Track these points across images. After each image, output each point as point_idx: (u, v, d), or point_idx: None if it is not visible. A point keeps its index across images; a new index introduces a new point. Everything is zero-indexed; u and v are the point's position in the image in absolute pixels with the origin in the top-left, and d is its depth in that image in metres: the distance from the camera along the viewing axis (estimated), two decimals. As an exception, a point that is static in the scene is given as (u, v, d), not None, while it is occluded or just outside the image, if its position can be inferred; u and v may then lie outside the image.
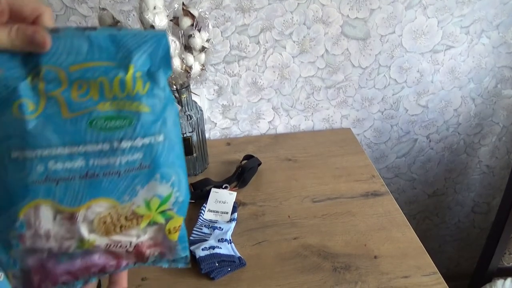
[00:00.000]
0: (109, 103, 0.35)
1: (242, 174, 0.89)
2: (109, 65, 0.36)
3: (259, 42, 0.93)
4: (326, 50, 0.97)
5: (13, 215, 0.34)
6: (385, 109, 1.08)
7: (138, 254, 0.38)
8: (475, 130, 1.17)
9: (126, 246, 0.37)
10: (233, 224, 0.78)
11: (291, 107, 1.04)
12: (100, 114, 0.35)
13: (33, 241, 0.35)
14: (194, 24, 0.77)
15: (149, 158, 0.36)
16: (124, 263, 0.38)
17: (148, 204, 0.37)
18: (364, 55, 0.98)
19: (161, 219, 0.37)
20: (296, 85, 1.01)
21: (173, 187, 0.37)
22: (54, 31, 0.35)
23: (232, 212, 0.81)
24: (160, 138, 0.36)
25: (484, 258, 1.12)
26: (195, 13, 0.77)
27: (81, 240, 0.35)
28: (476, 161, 1.25)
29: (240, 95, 1.01)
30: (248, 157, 0.93)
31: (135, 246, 0.37)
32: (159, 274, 0.71)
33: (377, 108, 1.08)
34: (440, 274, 0.71)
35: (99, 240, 0.36)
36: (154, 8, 0.72)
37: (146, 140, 0.36)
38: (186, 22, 0.76)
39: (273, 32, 0.92)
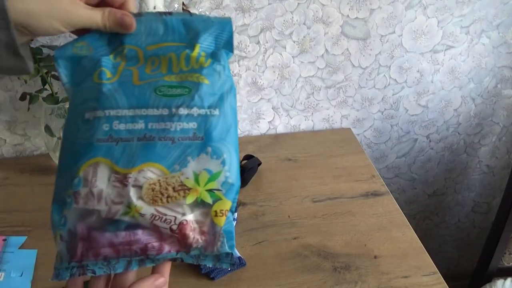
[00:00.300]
0: (174, 76, 0.39)
1: (242, 174, 0.89)
2: (179, 45, 0.40)
3: (259, 42, 0.93)
4: (326, 50, 0.97)
5: (74, 172, 0.37)
6: (385, 109, 1.08)
7: (181, 238, 0.37)
8: (475, 130, 1.17)
9: (170, 222, 0.37)
10: (233, 224, 0.78)
11: (291, 107, 1.04)
12: (165, 83, 0.38)
13: (86, 201, 0.36)
14: (194, 24, 0.76)
15: (202, 130, 0.37)
16: (166, 248, 0.37)
17: (197, 178, 0.37)
18: (364, 55, 0.98)
19: (208, 198, 0.37)
20: (296, 85, 1.01)
21: (224, 165, 0.37)
22: (137, 15, 0.40)
23: (232, 212, 0.81)
24: (216, 112, 0.38)
25: (484, 258, 1.12)
26: (195, 13, 0.77)
27: (129, 204, 0.36)
28: (476, 161, 1.25)
29: (240, 95, 1.01)
30: (248, 157, 0.93)
31: (179, 224, 0.37)
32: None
33: (377, 108, 1.08)
34: (440, 274, 0.71)
35: (146, 209, 0.36)
36: (154, 8, 0.72)
37: (202, 111, 0.38)
38: (186, 22, 0.76)
39: (273, 32, 0.92)
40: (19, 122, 0.95)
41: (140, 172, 0.36)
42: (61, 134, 0.84)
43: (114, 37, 0.40)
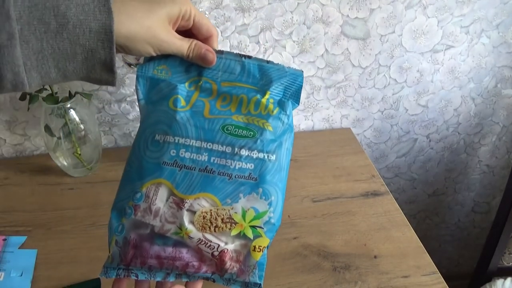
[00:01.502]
0: (242, 116, 0.43)
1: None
2: (251, 88, 0.44)
3: (259, 42, 0.93)
4: (326, 50, 0.97)
5: (137, 187, 0.40)
6: (385, 108, 1.08)
7: (220, 263, 0.41)
8: (475, 130, 1.17)
9: (213, 248, 0.41)
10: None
11: (291, 107, 1.04)
12: (233, 122, 0.42)
13: (143, 215, 0.40)
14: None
15: (258, 171, 0.41)
16: (204, 268, 0.41)
17: (244, 214, 0.41)
18: (364, 55, 0.98)
19: (250, 234, 0.41)
20: (296, 84, 1.01)
21: (270, 206, 0.42)
22: (218, 53, 0.44)
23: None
24: (273, 157, 0.42)
25: (484, 257, 1.12)
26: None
27: (181, 226, 0.40)
28: (476, 160, 1.25)
29: (240, 95, 1.00)
30: (248, 157, 0.93)
31: (220, 252, 0.41)
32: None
33: (377, 108, 1.08)
34: (440, 274, 0.71)
35: (195, 233, 0.40)
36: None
37: (261, 155, 0.42)
38: (186, 22, 0.76)
39: (273, 32, 0.92)
40: (19, 122, 0.95)
41: (196, 199, 0.40)
42: (61, 134, 0.84)
43: (192, 66, 0.44)
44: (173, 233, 0.40)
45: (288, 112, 0.44)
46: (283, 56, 0.96)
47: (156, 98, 0.43)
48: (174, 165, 0.40)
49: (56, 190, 0.88)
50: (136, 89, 0.44)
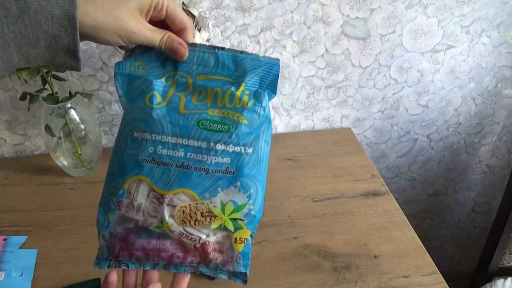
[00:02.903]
0: (218, 110, 0.43)
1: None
2: (226, 80, 0.43)
3: (259, 41, 0.93)
4: (326, 50, 0.97)
5: (119, 184, 0.42)
6: (385, 108, 1.08)
7: (203, 254, 0.42)
8: (475, 130, 1.17)
9: (195, 241, 0.42)
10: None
11: (291, 106, 1.04)
12: (207, 117, 0.42)
13: (127, 210, 0.41)
14: (194, 23, 0.77)
15: (235, 165, 0.41)
16: (189, 259, 0.43)
17: (223, 207, 0.41)
18: (364, 55, 0.98)
19: (230, 226, 0.42)
20: (296, 84, 1.01)
21: (249, 198, 0.42)
22: (192, 45, 0.43)
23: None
24: (249, 150, 0.42)
25: (485, 257, 1.12)
26: (195, 12, 0.77)
27: (162, 220, 0.41)
28: (476, 160, 1.25)
29: (240, 95, 1.00)
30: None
31: (202, 244, 0.42)
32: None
33: (377, 108, 1.08)
34: (440, 274, 0.71)
35: (175, 227, 0.41)
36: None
37: (237, 148, 0.42)
38: (186, 21, 0.76)
39: (273, 32, 0.92)
40: (19, 122, 0.95)
41: (176, 194, 0.41)
42: (61, 134, 0.84)
43: (168, 60, 0.44)
44: (155, 227, 0.41)
45: (264, 104, 0.44)
46: (283, 56, 0.96)
47: (134, 94, 0.44)
48: (152, 162, 0.41)
49: (57, 190, 0.88)
50: (116, 87, 0.44)
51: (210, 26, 0.83)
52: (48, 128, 0.83)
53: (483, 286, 1.12)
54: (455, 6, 0.94)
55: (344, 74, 1.01)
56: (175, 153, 0.41)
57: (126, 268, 0.43)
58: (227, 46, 0.93)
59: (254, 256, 0.73)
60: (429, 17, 0.95)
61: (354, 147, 1.01)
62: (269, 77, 0.44)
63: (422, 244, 0.76)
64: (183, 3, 0.77)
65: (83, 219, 0.80)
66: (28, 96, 0.79)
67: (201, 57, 0.43)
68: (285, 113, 1.05)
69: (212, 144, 0.41)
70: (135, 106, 0.43)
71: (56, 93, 0.82)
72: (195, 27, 0.77)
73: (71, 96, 0.82)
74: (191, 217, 0.41)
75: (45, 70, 0.77)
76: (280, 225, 0.80)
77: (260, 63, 0.44)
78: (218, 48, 0.43)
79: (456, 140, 1.19)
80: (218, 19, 0.89)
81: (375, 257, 0.74)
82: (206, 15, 0.80)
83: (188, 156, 0.41)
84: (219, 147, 0.41)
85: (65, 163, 0.89)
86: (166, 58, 0.44)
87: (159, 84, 0.43)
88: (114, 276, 0.43)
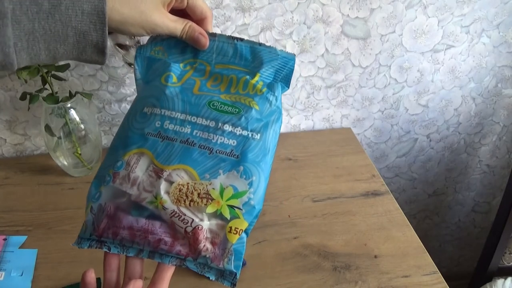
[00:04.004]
0: (230, 95, 0.43)
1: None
2: (243, 70, 0.44)
3: (259, 41, 0.93)
4: (326, 50, 0.97)
5: (120, 156, 0.41)
6: (385, 108, 1.08)
7: (193, 242, 0.39)
8: (475, 130, 1.17)
9: (187, 223, 0.39)
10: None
11: (291, 106, 1.04)
12: (220, 99, 0.42)
13: (121, 182, 0.40)
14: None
15: (240, 149, 0.40)
16: (177, 247, 0.40)
17: (222, 190, 0.40)
18: (364, 55, 0.98)
19: (227, 213, 0.40)
20: (296, 84, 1.01)
21: (250, 186, 0.40)
22: (212, 35, 0.44)
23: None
24: (257, 136, 0.41)
25: (485, 257, 1.12)
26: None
27: (157, 195, 0.40)
28: (476, 160, 1.25)
29: (240, 95, 1.00)
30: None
31: (194, 228, 0.39)
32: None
33: (377, 108, 1.08)
34: (440, 274, 0.71)
35: (169, 204, 0.39)
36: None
37: (244, 132, 0.41)
38: (186, 21, 0.76)
39: (273, 32, 0.92)
40: (19, 121, 0.95)
41: (175, 170, 0.40)
42: (61, 134, 0.84)
43: (188, 48, 0.44)
44: (148, 202, 0.40)
45: (276, 94, 0.44)
46: (283, 55, 0.96)
47: (152, 76, 0.44)
48: (157, 136, 0.41)
49: (57, 190, 0.88)
50: (134, 70, 0.45)
51: (210, 26, 0.83)
52: (48, 128, 0.83)
53: (483, 286, 1.12)
54: (455, 6, 0.94)
55: (344, 74, 1.01)
56: (181, 129, 0.41)
57: (108, 251, 0.41)
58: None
59: (254, 256, 0.73)
60: (429, 17, 0.95)
61: (354, 147, 1.01)
62: (284, 71, 0.45)
63: (422, 244, 0.76)
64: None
65: (83, 219, 0.80)
66: (28, 96, 0.79)
67: (221, 47, 0.44)
68: (285, 113, 1.05)
69: (220, 124, 0.41)
70: (150, 86, 0.44)
71: (56, 93, 0.82)
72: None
73: (71, 96, 0.82)
74: (187, 196, 0.40)
75: (45, 70, 0.77)
76: (280, 225, 0.80)
77: (277, 56, 0.44)
78: (237, 39, 0.44)
79: (456, 140, 1.19)
80: (218, 19, 0.89)
81: (375, 257, 0.74)
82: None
83: (194, 133, 0.41)
84: (227, 128, 0.41)
85: (65, 163, 0.89)
86: (186, 46, 0.44)
87: (177, 67, 0.44)
88: (92, 275, 0.42)
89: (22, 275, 0.70)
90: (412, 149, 1.18)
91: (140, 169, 0.40)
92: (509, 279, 1.08)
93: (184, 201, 0.40)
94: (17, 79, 0.87)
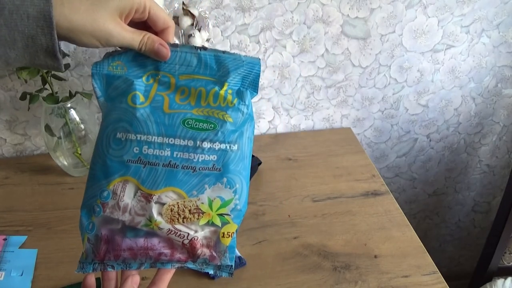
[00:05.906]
0: (202, 109, 0.43)
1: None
2: (209, 80, 0.43)
3: (259, 41, 0.93)
4: (326, 50, 0.97)
5: (104, 185, 0.41)
6: (385, 108, 1.08)
7: (191, 250, 0.43)
8: (475, 130, 1.17)
9: (183, 237, 0.42)
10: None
11: (291, 106, 1.04)
12: (193, 116, 0.42)
13: (112, 211, 0.41)
14: (194, 23, 0.77)
15: (221, 162, 0.42)
16: (177, 256, 0.43)
17: (210, 203, 0.42)
18: (364, 55, 0.98)
19: (218, 221, 0.43)
20: (296, 84, 1.01)
21: (235, 194, 0.43)
22: (174, 46, 0.43)
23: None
24: (234, 147, 0.43)
25: (485, 257, 1.12)
26: (195, 12, 0.77)
27: (150, 218, 0.41)
28: (476, 160, 1.25)
29: (240, 95, 1.00)
30: (248, 157, 0.93)
31: (190, 240, 0.42)
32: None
33: (377, 108, 1.08)
34: (440, 274, 0.71)
35: (164, 224, 0.41)
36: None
37: (223, 146, 0.42)
38: (186, 21, 0.76)
39: (273, 32, 0.92)
40: (19, 121, 0.95)
41: (163, 193, 0.41)
42: (61, 134, 0.84)
43: (148, 60, 0.43)
44: (143, 225, 0.41)
45: (247, 102, 0.44)
46: (283, 55, 0.96)
47: (114, 94, 0.43)
48: (138, 162, 0.41)
49: (57, 190, 0.88)
50: (93, 87, 0.43)
51: (210, 26, 0.83)
52: (48, 128, 0.83)
53: (483, 286, 1.12)
54: (455, 6, 0.94)
55: (344, 74, 1.01)
56: (161, 153, 0.41)
57: (112, 270, 0.43)
58: (227, 46, 0.93)
59: (254, 256, 0.73)
60: (429, 17, 0.95)
61: (354, 147, 1.01)
62: (251, 76, 0.45)
63: (422, 244, 0.76)
64: (183, 3, 0.77)
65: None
66: (28, 96, 0.79)
67: (184, 57, 0.43)
68: (285, 113, 1.05)
69: (198, 142, 0.42)
70: (116, 107, 0.43)
71: (56, 93, 0.82)
72: (195, 27, 0.77)
73: (71, 96, 0.82)
74: (179, 214, 0.41)
75: (45, 70, 0.77)
76: (280, 225, 0.80)
77: (242, 62, 0.44)
78: (200, 48, 0.43)
79: (456, 140, 1.19)
80: (218, 19, 0.89)
81: (375, 257, 0.74)
82: (206, 15, 0.80)
83: (175, 155, 0.41)
84: (206, 145, 0.42)
85: (65, 163, 0.89)
86: (146, 58, 0.43)
87: (140, 83, 0.43)
88: (92, 279, 0.43)
89: (22, 275, 0.70)
90: (412, 149, 1.18)
91: (128, 196, 0.41)
92: (509, 279, 1.08)
93: (177, 219, 0.42)
94: (17, 79, 0.87)
